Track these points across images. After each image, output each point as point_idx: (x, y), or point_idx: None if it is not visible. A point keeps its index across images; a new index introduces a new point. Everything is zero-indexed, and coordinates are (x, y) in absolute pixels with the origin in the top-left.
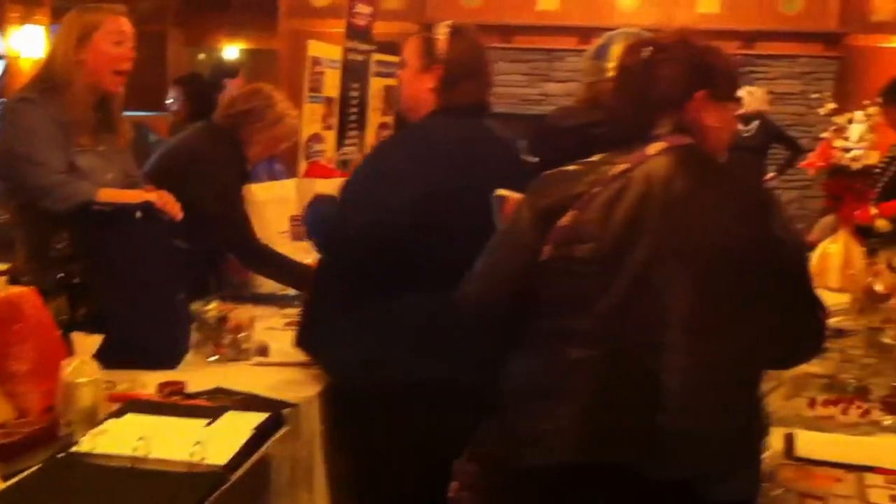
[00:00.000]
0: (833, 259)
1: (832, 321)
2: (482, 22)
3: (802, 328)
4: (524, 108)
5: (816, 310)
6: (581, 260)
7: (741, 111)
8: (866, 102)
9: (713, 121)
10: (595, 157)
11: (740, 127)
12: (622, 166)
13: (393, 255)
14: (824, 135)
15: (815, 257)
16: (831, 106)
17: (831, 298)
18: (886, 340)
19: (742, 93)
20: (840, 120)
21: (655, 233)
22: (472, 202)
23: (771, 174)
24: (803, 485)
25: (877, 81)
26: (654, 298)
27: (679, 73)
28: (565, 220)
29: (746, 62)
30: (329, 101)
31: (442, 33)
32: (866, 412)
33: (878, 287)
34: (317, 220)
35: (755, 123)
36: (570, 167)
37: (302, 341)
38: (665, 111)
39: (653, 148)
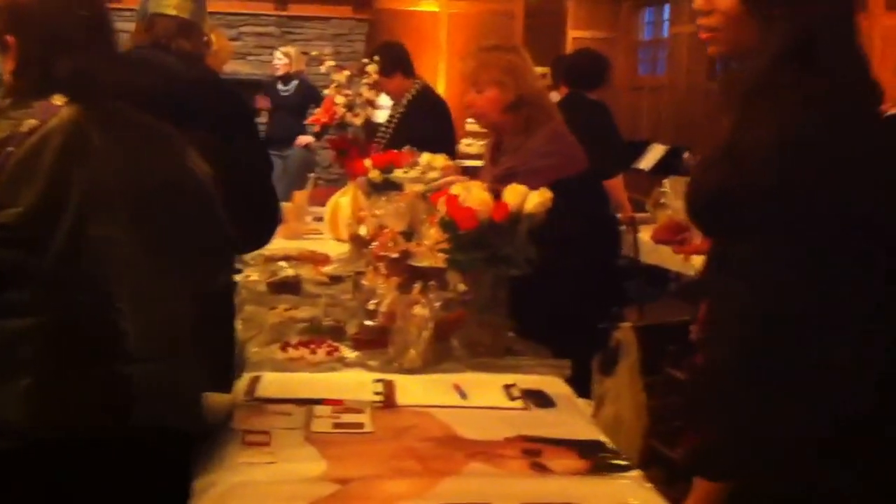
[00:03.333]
0: (343, 211)
1: (329, 269)
2: None
3: (211, 251)
4: None
5: (222, 230)
6: (7, 226)
7: (281, 72)
8: (365, 61)
9: None
10: None
11: (279, 87)
12: (32, 121)
13: None
14: (327, 92)
15: (328, 210)
16: (330, 63)
17: (339, 249)
18: (365, 283)
19: (279, 54)
20: (340, 77)
21: (82, 185)
22: None
23: (306, 137)
24: (252, 422)
25: (405, 42)
26: (94, 251)
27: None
28: None
29: (281, 23)
30: None
31: None
32: (334, 350)
33: (363, 233)
34: None
35: (293, 84)
36: None
37: None
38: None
39: (58, 98)
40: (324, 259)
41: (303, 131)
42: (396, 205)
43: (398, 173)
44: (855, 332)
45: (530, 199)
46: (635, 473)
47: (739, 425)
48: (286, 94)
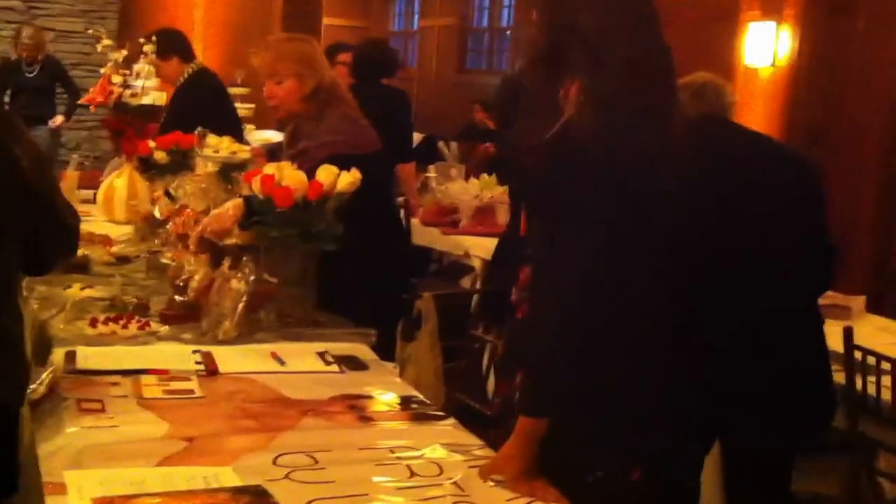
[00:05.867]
0: (119, 192)
1: (116, 249)
2: None
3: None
4: None
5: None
6: None
7: (25, 53)
8: (142, 40)
9: None
10: None
11: (25, 69)
12: None
13: None
14: (103, 70)
15: (101, 192)
16: (107, 42)
17: (118, 230)
18: (165, 261)
19: (25, 38)
20: (117, 55)
21: None
22: None
23: (59, 117)
24: (82, 392)
25: (159, 21)
26: None
27: None
28: None
29: None
30: None
31: None
32: (145, 325)
33: (157, 213)
34: None
35: (39, 63)
36: None
37: None
38: None
39: None
40: (106, 240)
41: (52, 112)
42: (197, 185)
43: (207, 151)
44: (655, 297)
45: (342, 178)
46: (451, 421)
47: (558, 368)
48: (31, 74)
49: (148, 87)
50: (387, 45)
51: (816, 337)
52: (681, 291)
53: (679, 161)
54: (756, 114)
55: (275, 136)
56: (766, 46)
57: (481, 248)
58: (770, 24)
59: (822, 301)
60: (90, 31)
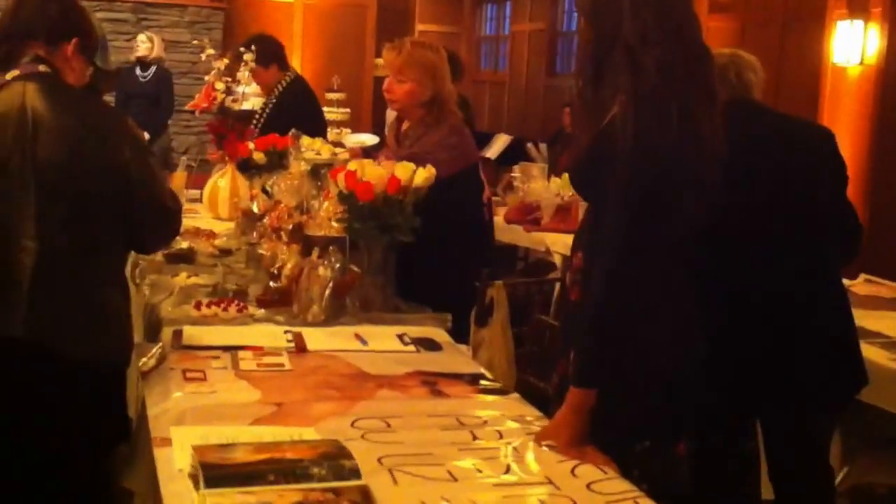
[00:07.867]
0: (222, 192)
1: (219, 242)
2: None
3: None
4: None
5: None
6: None
7: (140, 57)
8: (242, 49)
9: (77, 66)
10: None
11: (139, 73)
12: None
13: None
14: (207, 78)
15: (206, 191)
16: (210, 51)
17: (222, 226)
18: (261, 252)
19: (143, 37)
20: (219, 64)
21: (13, 147)
22: None
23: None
24: (187, 364)
25: (261, 31)
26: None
27: (58, 14)
28: None
29: (137, 10)
30: None
31: None
32: (243, 308)
33: (255, 209)
34: None
35: (152, 71)
36: None
37: None
38: (32, 44)
39: (10, 74)
40: (210, 234)
41: (160, 119)
42: (291, 182)
43: (308, 154)
44: (681, 284)
45: (418, 174)
46: (514, 395)
47: (605, 342)
48: (144, 80)
49: (248, 93)
50: (450, 53)
51: (843, 308)
52: (716, 270)
53: (710, 157)
54: (845, 112)
55: (369, 140)
56: (854, 45)
57: (561, 244)
58: (858, 23)
59: (891, 294)
60: (195, 42)
